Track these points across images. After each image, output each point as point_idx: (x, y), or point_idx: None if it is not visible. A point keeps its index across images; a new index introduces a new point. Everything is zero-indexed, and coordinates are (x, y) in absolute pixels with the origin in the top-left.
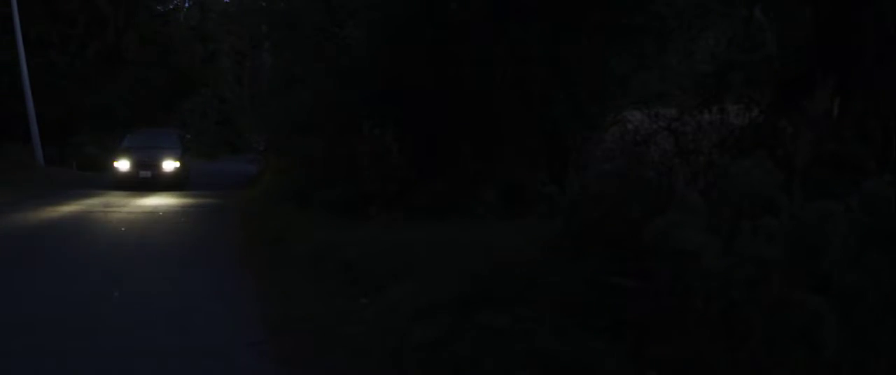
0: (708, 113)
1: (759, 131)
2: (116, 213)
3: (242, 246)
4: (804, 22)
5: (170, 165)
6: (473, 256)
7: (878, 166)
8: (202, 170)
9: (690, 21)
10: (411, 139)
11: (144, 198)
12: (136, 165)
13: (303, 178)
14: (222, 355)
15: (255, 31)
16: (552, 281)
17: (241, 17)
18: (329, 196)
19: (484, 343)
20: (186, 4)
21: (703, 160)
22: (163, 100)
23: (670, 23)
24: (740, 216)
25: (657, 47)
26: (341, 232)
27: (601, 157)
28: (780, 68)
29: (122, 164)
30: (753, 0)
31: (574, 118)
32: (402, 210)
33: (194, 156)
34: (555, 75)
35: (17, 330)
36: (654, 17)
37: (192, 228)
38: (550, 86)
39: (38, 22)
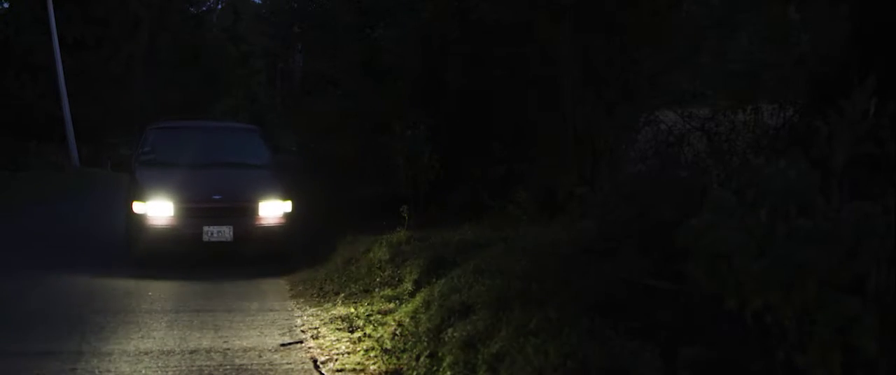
0: (742, 113)
1: (793, 131)
2: None
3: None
4: (841, 20)
5: (272, 211)
6: (506, 257)
7: None
8: None
9: (723, 20)
10: (443, 140)
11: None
12: (191, 214)
13: (334, 179)
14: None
15: (286, 32)
16: (585, 282)
17: (272, 18)
18: (362, 196)
19: (517, 343)
20: (219, 6)
21: (736, 161)
22: (195, 101)
23: (703, 21)
24: (775, 217)
25: (690, 47)
26: (373, 233)
27: (634, 158)
28: (815, 67)
29: (154, 210)
30: None
31: (606, 118)
32: (435, 210)
33: None
34: (585, 76)
35: None
36: (687, 17)
37: None
38: (581, 87)
39: (73, 24)
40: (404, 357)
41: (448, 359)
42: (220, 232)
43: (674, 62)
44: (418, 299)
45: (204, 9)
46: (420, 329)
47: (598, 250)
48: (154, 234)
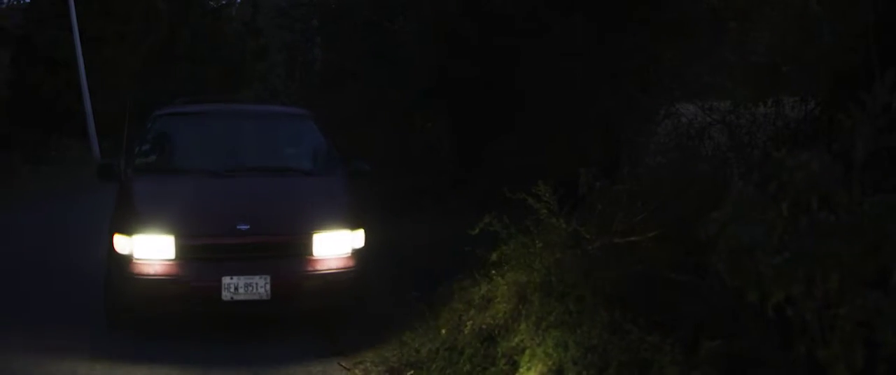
0: (763, 106)
1: (815, 124)
2: None
3: None
4: (862, 12)
5: (334, 249)
6: (526, 249)
7: None
8: None
9: (744, 13)
10: (462, 132)
11: None
12: (202, 255)
13: None
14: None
15: (306, 26)
16: (605, 275)
17: (292, 12)
18: (381, 188)
19: (537, 336)
20: (238, 0)
21: (757, 154)
22: (214, 94)
23: (724, 14)
24: (797, 210)
25: (711, 40)
26: (394, 226)
27: (654, 151)
28: (837, 60)
29: (145, 248)
30: None
31: (625, 111)
32: (454, 203)
33: None
34: (603, 69)
35: None
36: (708, 10)
37: None
38: (599, 80)
39: (93, 19)
40: (423, 351)
41: (467, 352)
42: (250, 286)
43: (695, 55)
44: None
45: (223, 2)
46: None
47: (618, 243)
48: (142, 288)
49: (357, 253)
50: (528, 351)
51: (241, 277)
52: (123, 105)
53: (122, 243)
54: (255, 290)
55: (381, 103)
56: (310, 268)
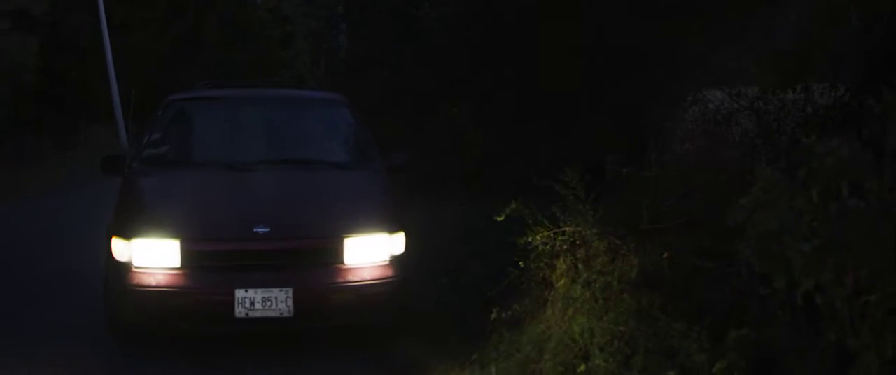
0: (791, 92)
1: (845, 110)
2: None
3: None
4: None
5: (369, 255)
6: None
7: None
8: None
9: None
10: (489, 118)
11: None
12: (212, 263)
13: None
14: None
15: (331, 13)
16: (632, 261)
17: None
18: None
19: (563, 323)
20: None
21: (785, 140)
22: (242, 79)
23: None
24: (827, 197)
25: (738, 26)
26: (419, 212)
27: (681, 137)
28: (866, 45)
29: (145, 254)
30: None
31: (652, 97)
32: (480, 188)
33: None
34: (630, 55)
35: None
36: None
37: None
38: (626, 66)
39: (120, 5)
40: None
41: (494, 338)
42: (269, 301)
43: (722, 40)
44: None
45: None
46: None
47: (645, 230)
48: (141, 303)
49: (396, 261)
50: (554, 338)
51: (258, 290)
52: (151, 91)
53: (119, 248)
54: (274, 305)
55: (406, 90)
56: (340, 279)
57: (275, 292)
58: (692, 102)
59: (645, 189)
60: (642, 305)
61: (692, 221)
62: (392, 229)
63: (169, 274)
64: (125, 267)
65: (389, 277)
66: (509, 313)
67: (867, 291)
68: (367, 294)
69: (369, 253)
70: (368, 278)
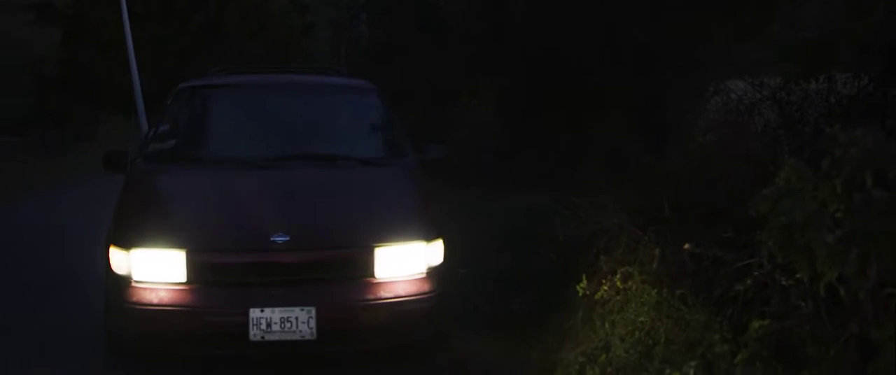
0: (815, 82)
1: (869, 101)
2: None
3: None
4: None
5: (403, 267)
6: (571, 225)
7: None
8: None
9: None
10: (509, 108)
11: None
12: (223, 277)
13: None
14: None
15: (352, 2)
16: (653, 252)
17: None
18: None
19: (584, 313)
20: None
21: (808, 130)
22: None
23: None
24: (851, 187)
25: (760, 16)
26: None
27: (703, 128)
28: (891, 35)
29: (146, 267)
30: None
31: (674, 87)
32: (499, 178)
33: None
34: (652, 44)
35: None
36: None
37: None
38: (648, 55)
39: None
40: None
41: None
42: (288, 322)
43: (744, 30)
44: None
45: None
46: None
47: (666, 220)
48: (142, 323)
49: (434, 273)
50: (574, 329)
51: (276, 309)
52: (173, 82)
53: (117, 259)
54: (294, 327)
55: (426, 78)
56: (371, 296)
57: (295, 312)
58: (714, 93)
59: (666, 179)
60: (663, 296)
61: (714, 212)
62: (429, 236)
63: (173, 289)
64: (123, 282)
65: (427, 292)
66: (529, 304)
67: (891, 283)
68: (402, 312)
69: (404, 264)
70: (403, 294)
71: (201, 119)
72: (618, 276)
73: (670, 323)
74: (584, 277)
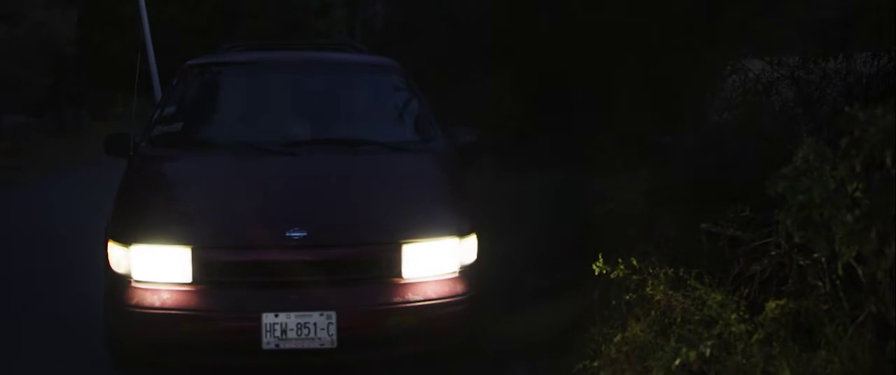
0: (833, 60)
1: (888, 79)
2: None
3: None
4: None
5: (433, 266)
6: (588, 206)
7: None
8: None
9: None
10: (525, 87)
11: None
12: (233, 278)
13: None
14: None
15: None
16: (669, 232)
17: None
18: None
19: (600, 293)
20: None
21: (827, 110)
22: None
23: None
24: (870, 166)
25: None
26: None
27: (720, 107)
28: None
29: (148, 266)
30: None
31: (690, 66)
32: (516, 159)
33: None
34: (669, 23)
35: None
36: None
37: None
38: (665, 34)
39: None
40: None
41: (528, 312)
42: (306, 328)
43: (762, 8)
44: None
45: None
46: None
47: (683, 200)
48: (144, 326)
49: (467, 273)
50: (590, 308)
51: (292, 314)
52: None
53: (116, 256)
54: (312, 334)
55: (442, 57)
56: (397, 298)
57: (313, 317)
58: (731, 71)
59: (684, 158)
60: (680, 275)
61: (731, 191)
62: (462, 231)
63: (177, 291)
64: (123, 281)
65: (459, 294)
66: (542, 285)
67: None
68: (432, 317)
69: (434, 263)
70: (433, 296)
71: (211, 99)
72: (634, 256)
73: (687, 303)
74: (600, 256)
